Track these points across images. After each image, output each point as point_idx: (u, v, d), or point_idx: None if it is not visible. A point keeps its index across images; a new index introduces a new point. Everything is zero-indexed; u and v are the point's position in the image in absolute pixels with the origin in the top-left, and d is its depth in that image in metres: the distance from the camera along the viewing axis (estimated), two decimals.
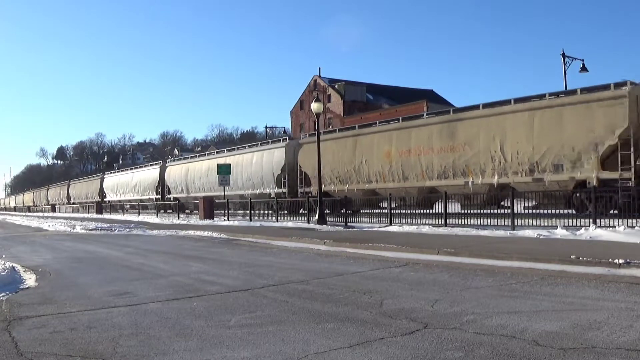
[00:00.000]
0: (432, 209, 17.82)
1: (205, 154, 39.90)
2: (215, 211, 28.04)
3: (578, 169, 16.59)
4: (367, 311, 5.55)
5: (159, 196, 40.59)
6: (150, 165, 46.80)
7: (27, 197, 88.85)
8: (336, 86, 58.52)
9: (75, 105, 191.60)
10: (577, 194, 16.11)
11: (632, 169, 15.23)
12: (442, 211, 16.26)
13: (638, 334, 4.40)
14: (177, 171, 38.81)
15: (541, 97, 18.09)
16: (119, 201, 45.84)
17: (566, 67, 29.95)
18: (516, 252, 9.31)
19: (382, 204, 20.23)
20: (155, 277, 8.63)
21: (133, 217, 36.16)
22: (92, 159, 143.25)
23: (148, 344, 4.53)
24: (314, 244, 13.15)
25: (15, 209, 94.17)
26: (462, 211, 17.68)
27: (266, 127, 64.55)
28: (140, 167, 49.49)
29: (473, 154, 19.41)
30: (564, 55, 30.15)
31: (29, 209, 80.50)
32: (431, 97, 56.46)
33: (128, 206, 43.27)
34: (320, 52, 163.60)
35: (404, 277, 7.81)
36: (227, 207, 27.54)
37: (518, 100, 18.77)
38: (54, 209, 65.44)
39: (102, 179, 54.13)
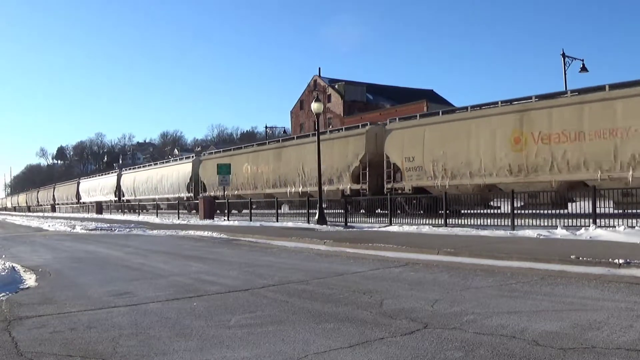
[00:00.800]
0: (280, 209, 25.48)
1: (146, 166, 49.63)
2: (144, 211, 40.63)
3: (341, 183, 24.14)
4: (367, 311, 5.55)
5: (117, 198, 49.36)
6: (111, 172, 57.77)
7: (22, 198, 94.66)
8: (336, 86, 58.51)
9: (75, 105, 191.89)
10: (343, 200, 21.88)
11: (367, 183, 22.88)
12: (442, 212, 16.28)
13: (638, 334, 4.40)
14: (128, 178, 47.82)
15: (324, 133, 26.05)
16: (91, 202, 54.80)
17: (566, 67, 29.97)
18: (516, 252, 9.31)
19: (254, 206, 27.77)
20: (155, 277, 8.63)
21: (133, 217, 36.28)
22: (92, 159, 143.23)
23: (148, 344, 4.53)
24: (314, 244, 13.15)
25: (15, 209, 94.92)
26: (463, 211, 17.85)
27: (266, 127, 64.53)
28: (104, 174, 59.45)
29: (289, 171, 27.35)
30: (564, 55, 30.15)
31: (29, 209, 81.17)
32: (431, 97, 56.43)
33: (95, 205, 52.43)
34: (320, 52, 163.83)
35: (404, 277, 7.82)
36: (227, 207, 27.63)
37: (313, 135, 25.73)
38: (53, 209, 65.99)
39: (79, 183, 62.21)
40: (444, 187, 18.91)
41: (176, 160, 43.02)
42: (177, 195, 37.31)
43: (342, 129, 26.27)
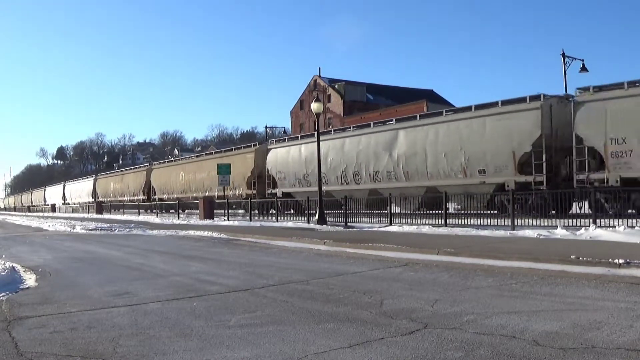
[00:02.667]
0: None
1: (81, 179, 67.96)
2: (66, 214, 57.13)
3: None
4: (367, 311, 5.54)
5: (63, 201, 66.72)
6: (58, 183, 76.49)
7: (12, 200, 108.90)
8: (336, 86, 58.49)
9: (75, 105, 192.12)
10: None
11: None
12: (443, 211, 16.29)
13: (638, 334, 4.40)
14: (71, 187, 66.17)
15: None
16: (51, 204, 71.06)
17: (566, 67, 29.97)
18: (516, 252, 9.30)
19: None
20: (155, 277, 8.63)
21: (133, 217, 36.27)
22: (92, 159, 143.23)
23: (148, 344, 4.53)
24: (314, 244, 13.14)
25: (15, 209, 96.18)
26: (463, 211, 17.88)
27: (266, 127, 64.59)
28: (57, 184, 77.16)
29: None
30: (564, 55, 30.15)
31: (28, 209, 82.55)
32: (431, 97, 56.46)
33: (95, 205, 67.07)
34: (320, 52, 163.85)
35: (404, 277, 7.81)
36: (227, 207, 27.62)
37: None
38: (53, 209, 66.53)
39: (45, 190, 79.20)
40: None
41: (81, 179, 67.05)
42: (86, 200, 58.13)
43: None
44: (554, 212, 15.05)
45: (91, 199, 56.53)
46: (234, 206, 29.68)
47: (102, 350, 4.37)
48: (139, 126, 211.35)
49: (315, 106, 19.67)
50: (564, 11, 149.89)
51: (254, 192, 30.19)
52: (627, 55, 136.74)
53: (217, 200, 28.78)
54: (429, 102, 46.37)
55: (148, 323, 5.30)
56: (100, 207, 48.18)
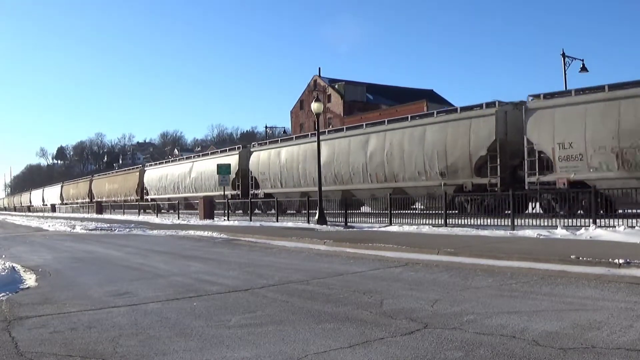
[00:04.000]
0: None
1: (53, 185, 78.11)
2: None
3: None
4: (367, 311, 5.55)
5: (42, 203, 77.62)
6: (39, 188, 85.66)
7: (7, 201, 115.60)
8: (336, 86, 58.49)
9: (75, 105, 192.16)
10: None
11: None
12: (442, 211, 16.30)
13: (638, 334, 4.40)
14: (48, 192, 76.72)
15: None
16: (52, 204, 77.66)
17: (566, 67, 29.95)
18: (516, 252, 9.30)
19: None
20: (155, 277, 8.63)
21: (133, 217, 36.29)
22: (92, 159, 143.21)
23: (148, 344, 4.53)
24: (314, 244, 13.15)
25: (15, 209, 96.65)
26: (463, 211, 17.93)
27: (266, 127, 64.61)
28: (35, 189, 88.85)
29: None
30: (564, 55, 30.14)
31: (28, 209, 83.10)
32: (431, 97, 56.47)
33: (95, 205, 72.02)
34: (320, 52, 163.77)
35: (404, 277, 7.81)
36: (227, 207, 27.63)
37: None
38: (53, 209, 66.83)
39: (31, 193, 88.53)
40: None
41: (53, 185, 77.43)
42: (56, 202, 69.02)
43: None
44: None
45: (59, 201, 69.65)
46: (127, 206, 43.74)
47: (102, 350, 4.37)
48: (139, 126, 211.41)
49: (315, 106, 19.68)
50: (564, 11, 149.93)
51: (139, 197, 45.55)
52: (627, 55, 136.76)
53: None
54: (429, 102, 46.37)
55: (148, 323, 5.30)
56: (100, 207, 48.32)
